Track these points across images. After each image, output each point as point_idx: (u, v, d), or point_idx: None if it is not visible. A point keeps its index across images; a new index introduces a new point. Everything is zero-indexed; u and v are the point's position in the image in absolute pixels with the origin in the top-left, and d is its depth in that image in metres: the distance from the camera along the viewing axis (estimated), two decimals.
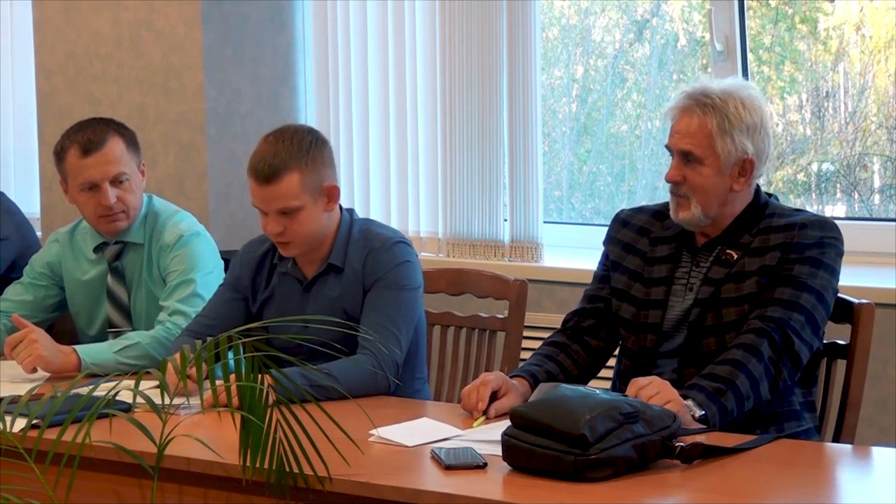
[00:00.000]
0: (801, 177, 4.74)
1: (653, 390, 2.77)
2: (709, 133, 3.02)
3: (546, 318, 4.50)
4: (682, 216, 3.08)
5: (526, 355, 3.70)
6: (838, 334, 3.17)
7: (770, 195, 3.16)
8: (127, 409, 2.74)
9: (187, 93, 4.89)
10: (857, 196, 4.64)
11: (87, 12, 5.06)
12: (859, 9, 4.49)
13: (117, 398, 2.48)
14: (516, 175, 4.73)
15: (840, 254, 3.05)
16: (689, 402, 2.82)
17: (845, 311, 3.15)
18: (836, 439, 3.09)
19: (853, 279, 3.93)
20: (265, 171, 3.27)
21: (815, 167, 4.71)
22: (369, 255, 3.39)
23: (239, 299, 3.47)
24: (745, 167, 3.04)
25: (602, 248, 3.29)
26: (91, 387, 2.51)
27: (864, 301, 3.13)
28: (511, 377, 3.08)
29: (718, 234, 3.10)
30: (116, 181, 3.67)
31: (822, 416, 3.14)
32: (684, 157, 3.05)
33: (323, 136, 3.42)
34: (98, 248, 3.78)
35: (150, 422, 2.46)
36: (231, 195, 4.97)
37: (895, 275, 4.11)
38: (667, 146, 3.10)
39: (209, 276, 3.70)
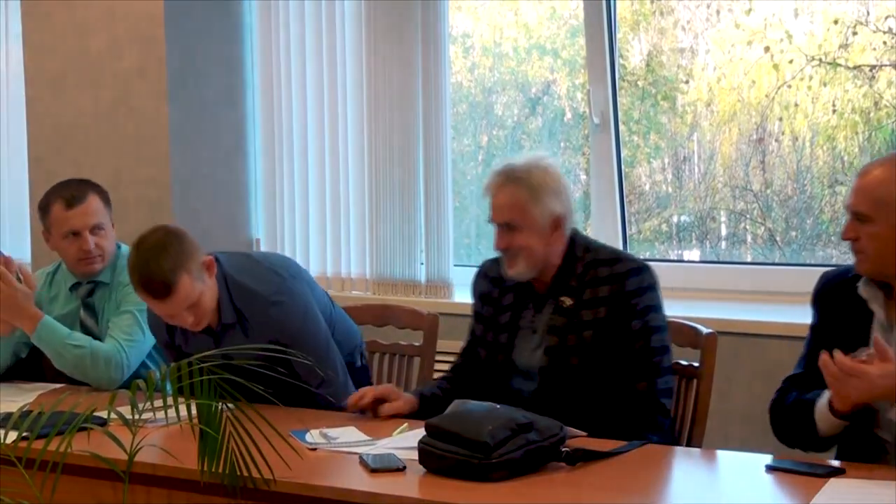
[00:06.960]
0: (664, 227, 4.79)
1: None
2: (523, 203, 2.99)
3: (455, 345, 4.43)
4: (512, 272, 3.04)
5: (438, 376, 3.71)
6: (692, 357, 3.20)
7: (581, 238, 3.08)
8: (103, 423, 2.72)
9: (155, 159, 4.87)
10: (707, 243, 4.70)
11: (73, 90, 5.03)
12: (708, 88, 4.56)
13: (94, 413, 2.47)
14: (431, 226, 4.75)
15: (658, 288, 3.02)
16: None
17: (695, 339, 3.18)
18: (688, 444, 3.12)
19: (704, 312, 3.97)
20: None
21: (675, 219, 4.75)
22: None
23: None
24: (558, 223, 3.01)
25: None
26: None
27: (710, 331, 3.15)
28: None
29: (550, 284, 3.06)
30: (95, 230, 3.66)
31: (680, 427, 3.16)
32: (506, 226, 3.02)
33: None
34: (73, 287, 3.75)
35: (123, 434, 2.45)
36: None
37: (738, 308, 4.17)
38: (490, 221, 3.05)
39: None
